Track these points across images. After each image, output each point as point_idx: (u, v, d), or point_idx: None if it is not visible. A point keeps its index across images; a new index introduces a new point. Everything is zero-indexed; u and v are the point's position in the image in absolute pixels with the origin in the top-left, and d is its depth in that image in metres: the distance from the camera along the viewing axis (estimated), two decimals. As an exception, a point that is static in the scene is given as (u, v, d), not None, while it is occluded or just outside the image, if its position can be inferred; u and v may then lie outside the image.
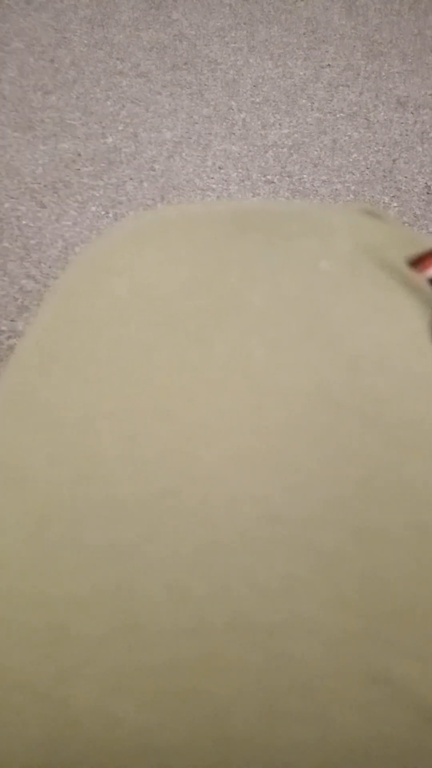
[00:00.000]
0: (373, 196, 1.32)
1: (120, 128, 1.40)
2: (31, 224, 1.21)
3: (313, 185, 1.32)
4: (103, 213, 1.24)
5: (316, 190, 1.31)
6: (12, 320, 1.08)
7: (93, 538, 0.13)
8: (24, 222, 1.22)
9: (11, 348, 1.06)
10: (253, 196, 1.28)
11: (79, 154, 1.34)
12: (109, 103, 1.47)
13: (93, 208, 1.24)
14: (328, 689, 0.12)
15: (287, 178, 1.33)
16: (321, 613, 0.12)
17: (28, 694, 0.12)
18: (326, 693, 0.12)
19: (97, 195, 1.26)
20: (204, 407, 0.14)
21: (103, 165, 1.32)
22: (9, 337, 1.07)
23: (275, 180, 1.32)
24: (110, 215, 1.23)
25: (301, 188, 1.31)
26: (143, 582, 0.12)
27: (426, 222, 1.29)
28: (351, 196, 1.31)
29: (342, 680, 0.12)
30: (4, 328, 1.08)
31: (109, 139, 1.38)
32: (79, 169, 1.31)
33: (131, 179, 1.30)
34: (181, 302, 0.16)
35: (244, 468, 0.13)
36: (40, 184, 1.28)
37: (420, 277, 0.16)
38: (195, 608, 0.12)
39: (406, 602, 0.12)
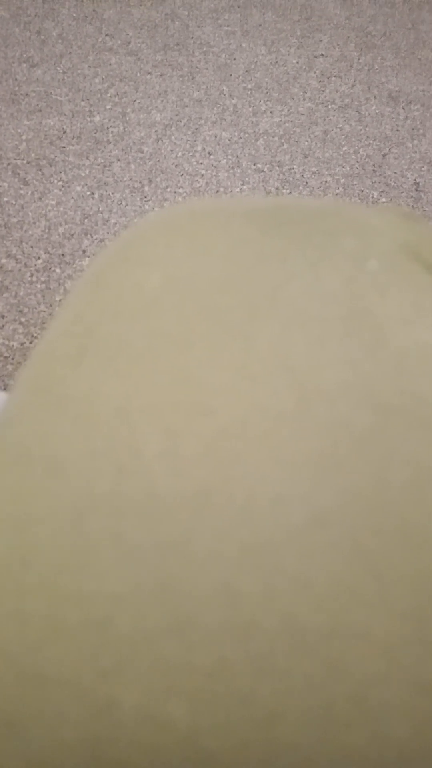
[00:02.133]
0: (362, 191, 1.31)
1: (108, 107, 1.36)
2: (13, 202, 1.17)
3: (303, 176, 1.30)
4: (88, 193, 1.20)
5: (306, 182, 1.30)
6: (-9, 300, 1.05)
7: (134, 534, 0.12)
8: (5, 199, 1.17)
9: (-11, 329, 1.03)
10: (243, 185, 1.26)
11: (65, 132, 1.30)
12: (97, 80, 1.43)
13: (78, 188, 1.21)
14: (380, 697, 0.11)
15: (277, 168, 1.31)
16: (371, 619, 0.12)
17: (69, 691, 0.12)
18: (378, 701, 0.11)
19: (83, 174, 1.23)
20: (246, 404, 0.13)
21: (89, 144, 1.28)
22: (-13, 318, 1.04)
23: (265, 169, 1.30)
24: (96, 196, 1.20)
25: (290, 179, 1.29)
26: (189, 580, 0.12)
27: (414, 219, 1.29)
28: (340, 189, 1.30)
29: (394, 688, 0.11)
30: (-18, 308, 1.04)
31: (97, 118, 1.34)
32: (64, 147, 1.27)
33: (118, 160, 1.26)
34: (217, 296, 0.15)
35: (288, 468, 0.13)
36: (23, 160, 1.23)
37: None
38: (244, 609, 0.12)
39: None
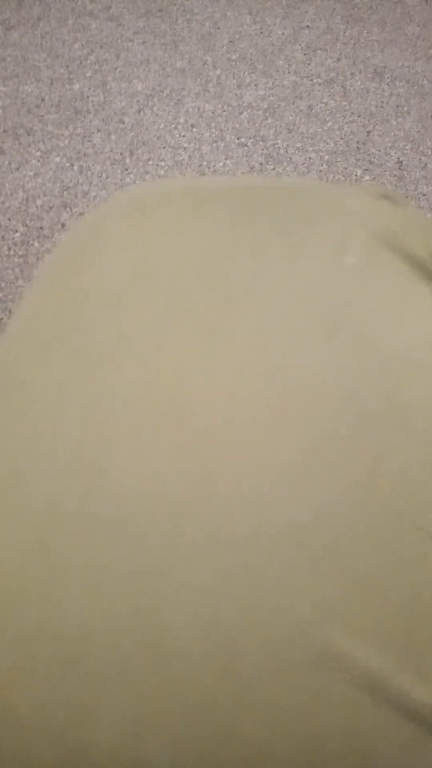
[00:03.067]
0: (346, 168, 1.30)
1: (88, 74, 1.32)
2: (-10, 171, 1.14)
3: (287, 152, 1.29)
4: (67, 165, 1.17)
5: (290, 158, 1.28)
6: (-33, 274, 1.02)
7: (104, 561, 0.12)
8: (-18, 168, 1.14)
9: (-34, 304, 1.01)
10: (226, 159, 1.24)
11: (43, 99, 1.26)
12: (76, 46, 1.38)
13: (57, 159, 1.18)
14: (368, 729, 0.11)
15: (261, 143, 1.29)
16: (356, 646, 0.11)
17: (39, 732, 0.11)
18: (367, 732, 0.11)
19: (62, 145, 1.19)
20: (221, 411, 0.13)
21: (68, 113, 1.24)
22: (-37, 292, 1.01)
23: (249, 143, 1.28)
24: (75, 167, 1.17)
25: (274, 154, 1.28)
26: (166, 610, 0.11)
27: (397, 198, 1.28)
28: (324, 166, 1.29)
29: (382, 718, 0.11)
30: (-42, 282, 1.02)
31: (76, 86, 1.30)
32: (42, 116, 1.23)
33: (99, 131, 1.23)
34: (189, 290, 0.14)
35: (267, 484, 0.12)
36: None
37: None
38: (225, 638, 0.11)
39: None
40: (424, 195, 1.28)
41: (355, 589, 0.11)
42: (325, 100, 1.42)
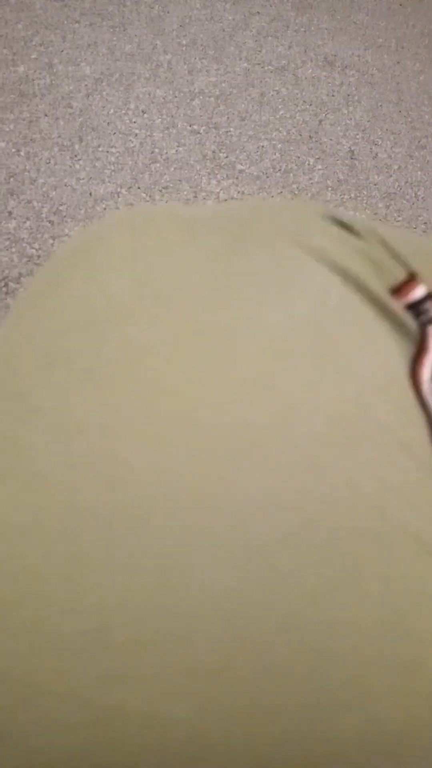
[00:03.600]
0: (298, 157, 1.29)
1: (33, 56, 1.28)
2: None
3: (240, 140, 1.27)
4: (13, 150, 1.13)
5: (243, 146, 1.27)
6: None
7: (129, 543, 0.12)
8: None
9: None
10: (179, 146, 1.22)
11: (-14, 82, 1.21)
12: (20, 26, 1.33)
13: (2, 144, 1.13)
14: (368, 681, 0.12)
15: (213, 130, 1.27)
16: (357, 610, 0.12)
17: (66, 701, 0.11)
18: (368, 684, 0.12)
19: (7, 130, 1.15)
20: (231, 418, 0.14)
21: (13, 96, 1.20)
22: None
23: (201, 131, 1.27)
24: (21, 153, 1.13)
25: (227, 142, 1.26)
26: (189, 584, 0.12)
27: (349, 187, 1.29)
28: (277, 154, 1.28)
29: (382, 671, 0.12)
30: None
31: (21, 68, 1.25)
32: (-14, 99, 1.18)
33: (46, 115, 1.19)
34: (195, 311, 0.15)
35: (278, 476, 0.13)
36: None
37: (398, 305, 0.18)
38: (245, 608, 0.12)
39: (429, 594, 0.13)
40: (375, 185, 1.29)
41: (351, 565, 0.13)
42: (277, 88, 1.42)
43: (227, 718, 0.11)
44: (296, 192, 1.22)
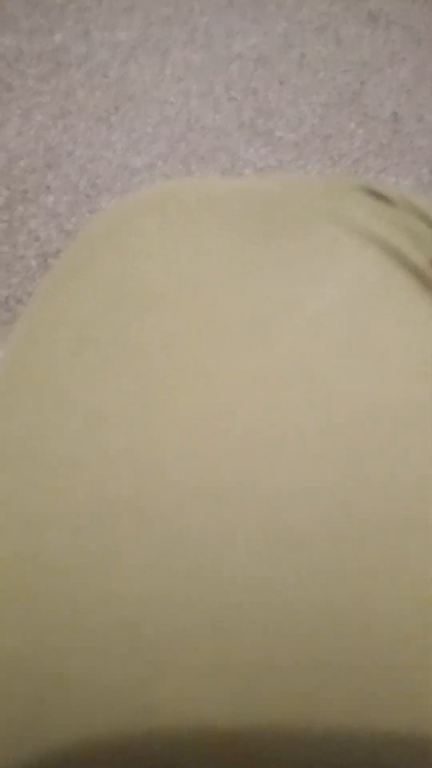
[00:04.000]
0: (339, 122, 1.25)
1: (69, 24, 1.26)
2: (-30, 131, 1.09)
3: (278, 105, 1.24)
4: (50, 123, 1.13)
5: (282, 112, 1.23)
6: None
7: (162, 536, 0.12)
8: (-39, 128, 1.10)
9: None
10: (216, 114, 1.20)
11: (23, 52, 1.20)
12: (56, -8, 1.31)
13: (39, 117, 1.13)
14: (413, 675, 0.12)
15: (252, 96, 1.24)
16: (399, 606, 0.12)
17: (98, 695, 0.11)
18: (412, 680, 0.12)
19: (44, 101, 1.15)
20: (269, 405, 0.14)
21: (50, 66, 1.19)
22: None
23: (239, 97, 1.24)
24: (58, 126, 1.13)
25: (265, 108, 1.23)
26: (225, 579, 0.12)
27: (391, 153, 1.24)
28: (317, 119, 1.24)
29: (423, 664, 0.12)
30: None
31: (57, 37, 1.24)
32: (23, 70, 1.18)
33: (82, 86, 1.18)
34: (229, 297, 0.15)
35: (315, 464, 0.13)
36: (-22, 84, 1.14)
37: None
38: (283, 603, 0.12)
39: None
40: (420, 149, 1.24)
41: (391, 557, 0.12)
42: (318, 49, 1.36)
43: (267, 714, 0.11)
44: (336, 159, 1.19)
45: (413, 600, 0.12)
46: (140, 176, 1.10)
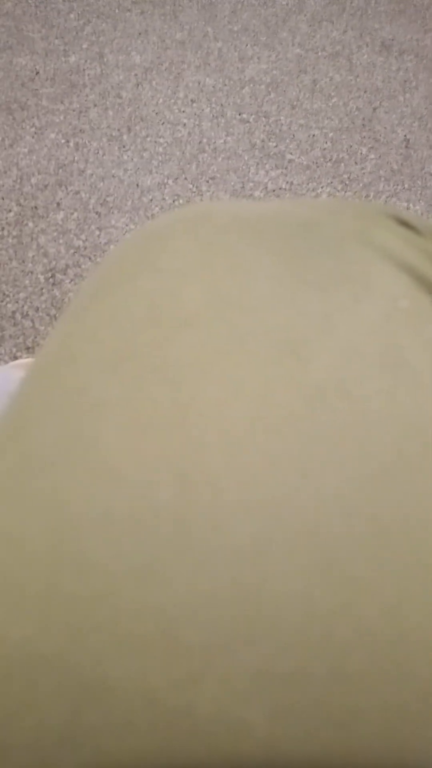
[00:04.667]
0: (350, 146, 1.26)
1: (84, 46, 1.28)
2: (-18, 148, 1.10)
3: (290, 129, 1.25)
4: (63, 141, 1.13)
5: (293, 135, 1.24)
6: (-41, 255, 0.99)
7: (203, 544, 0.12)
8: (-26, 145, 1.10)
9: (-42, 286, 0.98)
10: (227, 136, 1.20)
11: (38, 73, 1.21)
12: (72, 16, 1.33)
13: (52, 135, 1.14)
14: None
15: (263, 119, 1.25)
16: (430, 617, 0.12)
17: (137, 700, 0.12)
18: None
19: (57, 120, 1.15)
20: (305, 423, 0.14)
21: (64, 87, 1.20)
22: None
23: (251, 120, 1.24)
24: (71, 144, 1.13)
25: (277, 131, 1.24)
26: (264, 590, 0.12)
27: (403, 178, 1.24)
28: (328, 143, 1.25)
29: None
30: None
31: (72, 58, 1.25)
32: (37, 90, 1.19)
33: (95, 105, 1.19)
34: (267, 316, 0.15)
35: (355, 483, 0.13)
36: (-8, 102, 1.16)
37: None
38: (320, 618, 0.12)
39: None
40: (431, 174, 1.24)
41: (427, 578, 0.12)
42: (330, 75, 1.38)
43: (301, 726, 0.11)
44: (347, 182, 1.19)
45: None
46: (150, 195, 1.10)
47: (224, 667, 0.12)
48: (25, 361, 0.84)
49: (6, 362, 0.93)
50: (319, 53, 1.41)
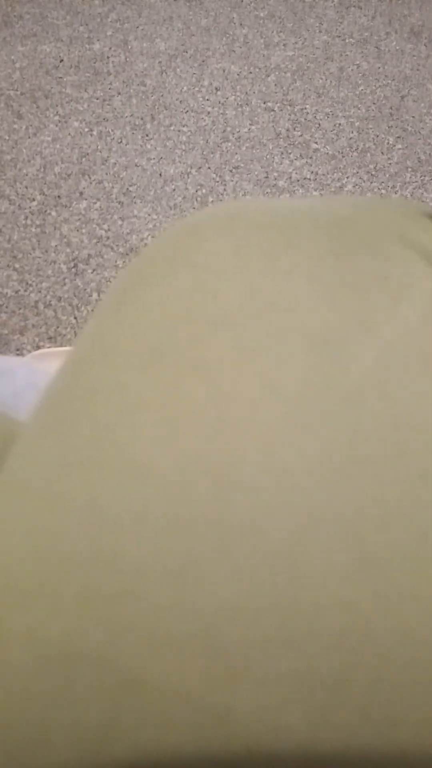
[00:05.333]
0: (377, 135, 1.23)
1: (108, 33, 1.27)
2: (6, 137, 1.10)
3: (315, 117, 1.23)
4: (86, 130, 1.13)
5: (318, 123, 1.22)
6: (-17, 244, 1.00)
7: (242, 547, 0.12)
8: (-2, 133, 1.10)
9: (-19, 275, 0.98)
10: (252, 124, 1.19)
11: (62, 60, 1.21)
12: (97, 2, 1.32)
13: (75, 124, 1.13)
14: None
15: (288, 107, 1.23)
16: None
17: (176, 699, 0.12)
18: None
19: (81, 109, 1.15)
20: (345, 424, 0.13)
21: (88, 75, 1.19)
22: (-21, 263, 0.99)
23: (275, 108, 1.23)
24: (94, 133, 1.13)
25: (302, 119, 1.22)
26: (304, 593, 0.12)
27: (430, 168, 1.22)
28: (354, 133, 1.22)
29: None
30: (-27, 252, 0.99)
31: (96, 45, 1.24)
32: (61, 78, 1.18)
33: (119, 94, 1.18)
34: (306, 317, 0.15)
35: (395, 488, 0.13)
36: (16, 91, 1.15)
37: None
38: (361, 621, 0.12)
39: None
40: (459, 165, 1.21)
41: None
42: (358, 62, 1.35)
43: (341, 728, 0.11)
44: (373, 173, 1.16)
45: None
46: (173, 184, 1.09)
47: (263, 669, 0.12)
48: (48, 351, 0.84)
49: (29, 351, 0.93)
50: (347, 40, 1.39)
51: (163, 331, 0.15)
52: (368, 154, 1.19)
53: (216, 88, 1.23)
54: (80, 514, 0.13)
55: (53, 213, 1.04)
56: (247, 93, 1.24)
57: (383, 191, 1.13)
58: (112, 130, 1.13)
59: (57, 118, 1.13)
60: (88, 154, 1.11)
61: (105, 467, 0.14)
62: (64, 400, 0.15)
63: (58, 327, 0.95)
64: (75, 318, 0.95)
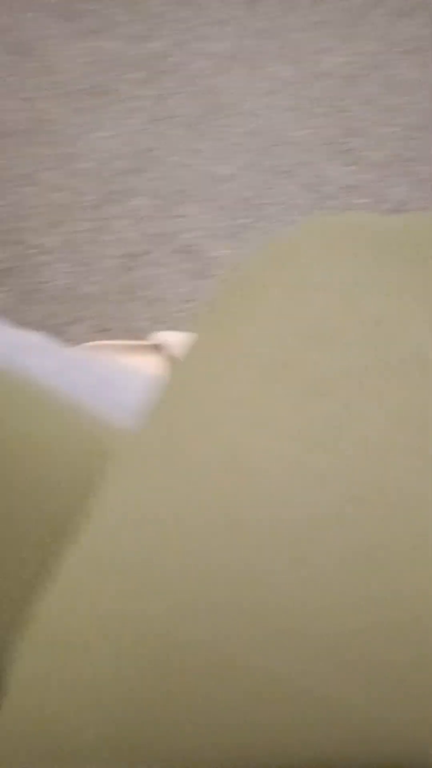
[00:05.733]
0: (424, 146, 1.25)
1: (166, 32, 1.29)
2: (65, 131, 1.14)
3: (363, 125, 1.25)
4: (142, 128, 1.16)
5: (366, 131, 1.24)
6: (41, 235, 1.03)
7: (322, 552, 0.13)
8: (58, 127, 1.14)
9: (40, 265, 1.02)
10: (300, 129, 1.21)
11: (119, 58, 1.24)
12: (156, 1, 1.34)
13: (132, 121, 1.17)
14: None
15: (337, 114, 1.25)
16: None
17: (265, 682, 0.12)
18: None
19: (137, 106, 1.18)
20: (414, 451, 0.14)
21: (145, 73, 1.22)
22: (38, 253, 1.02)
23: (324, 113, 1.25)
24: (150, 131, 1.16)
25: (350, 126, 1.24)
26: (384, 589, 0.13)
27: (473, 180, 1.24)
28: (401, 142, 1.24)
29: None
30: (33, 242, 1.03)
31: (154, 44, 1.27)
32: (119, 75, 1.21)
33: (175, 93, 1.21)
34: (410, 336, 0.15)
35: (425, 505, 0.13)
36: (76, 86, 1.18)
37: None
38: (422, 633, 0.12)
39: None
40: None
41: None
42: (407, 71, 1.37)
43: (406, 715, 0.12)
44: (418, 183, 1.19)
45: None
46: (223, 185, 1.12)
47: (339, 655, 0.12)
48: (103, 343, 0.88)
49: (79, 343, 0.97)
50: (397, 48, 1.40)
51: (278, 349, 0.16)
52: (413, 163, 1.21)
53: (267, 91, 1.25)
54: (224, 535, 0.14)
55: (108, 208, 1.08)
56: (297, 97, 1.26)
57: (429, 202, 1.15)
58: (167, 129, 1.16)
59: (115, 114, 1.17)
60: (142, 151, 1.14)
61: (225, 485, 0.14)
62: (180, 416, 0.16)
63: (108, 321, 0.99)
64: (124, 313, 0.99)
